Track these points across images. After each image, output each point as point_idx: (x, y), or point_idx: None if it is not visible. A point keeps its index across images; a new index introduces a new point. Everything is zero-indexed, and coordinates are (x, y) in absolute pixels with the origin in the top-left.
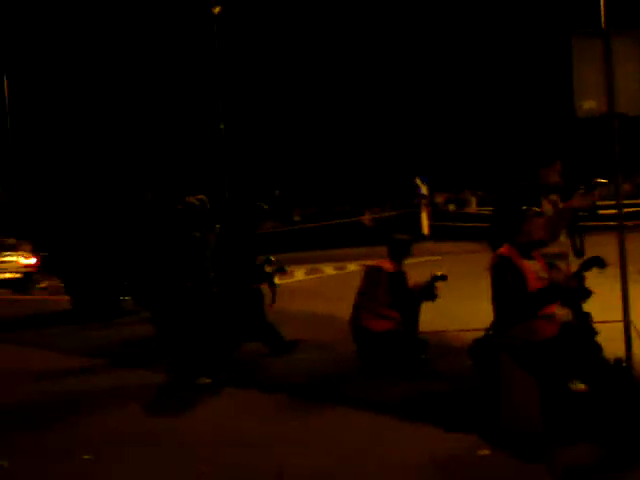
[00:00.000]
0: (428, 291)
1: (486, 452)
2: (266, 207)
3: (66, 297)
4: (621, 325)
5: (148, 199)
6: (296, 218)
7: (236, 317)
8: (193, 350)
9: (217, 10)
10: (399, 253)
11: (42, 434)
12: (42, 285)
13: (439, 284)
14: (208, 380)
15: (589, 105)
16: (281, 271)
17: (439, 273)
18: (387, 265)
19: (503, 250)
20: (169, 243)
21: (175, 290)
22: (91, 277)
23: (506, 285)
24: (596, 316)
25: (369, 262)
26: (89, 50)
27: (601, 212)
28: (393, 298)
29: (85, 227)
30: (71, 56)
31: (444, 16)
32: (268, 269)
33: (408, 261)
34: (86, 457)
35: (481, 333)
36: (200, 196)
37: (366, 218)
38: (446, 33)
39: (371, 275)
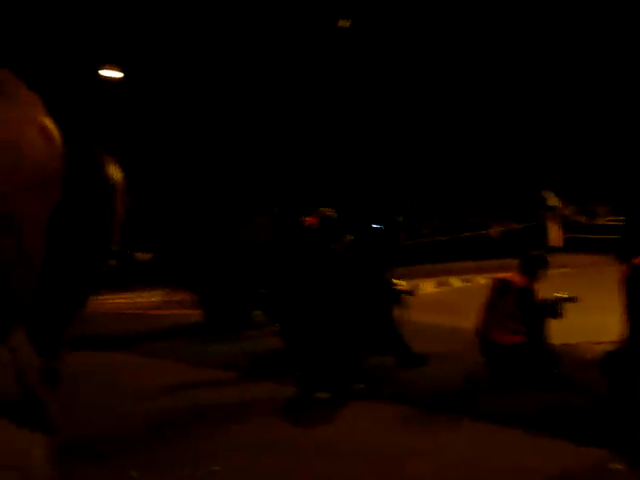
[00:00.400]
0: (552, 309)
1: (618, 467)
2: (401, 219)
3: (199, 310)
4: None
5: (276, 213)
6: (424, 231)
7: (366, 328)
8: (324, 362)
9: (345, 24)
10: (531, 268)
11: (173, 445)
12: (176, 299)
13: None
14: (327, 395)
15: None
16: (409, 294)
17: (566, 295)
18: (517, 279)
19: (638, 261)
20: (307, 256)
21: (314, 302)
22: (223, 290)
23: None
24: None
25: (499, 275)
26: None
27: None
28: (521, 312)
29: (217, 241)
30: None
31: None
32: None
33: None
34: (215, 468)
35: (612, 346)
36: (328, 209)
37: (493, 231)
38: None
39: (500, 288)
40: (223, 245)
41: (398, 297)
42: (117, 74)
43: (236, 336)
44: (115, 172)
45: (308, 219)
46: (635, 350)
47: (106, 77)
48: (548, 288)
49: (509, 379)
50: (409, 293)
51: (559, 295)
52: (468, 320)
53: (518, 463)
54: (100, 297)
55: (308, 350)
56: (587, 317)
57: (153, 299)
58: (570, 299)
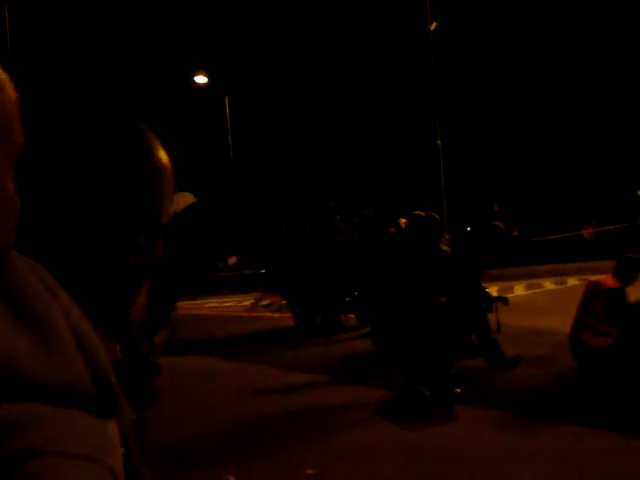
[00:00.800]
0: None
1: None
2: (503, 227)
3: (289, 314)
4: None
5: (368, 215)
6: (514, 233)
7: (461, 331)
8: (416, 364)
9: (434, 26)
10: (627, 271)
11: (266, 449)
12: (265, 302)
13: None
14: (428, 393)
15: None
16: (503, 302)
17: None
18: (609, 281)
19: None
20: (417, 258)
21: (428, 305)
22: (313, 294)
23: None
24: None
25: (593, 277)
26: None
27: None
28: (610, 314)
29: (308, 244)
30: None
31: None
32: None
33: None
34: (310, 472)
35: None
36: (422, 212)
37: (586, 232)
38: None
39: (592, 290)
40: (315, 248)
41: (491, 305)
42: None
43: (327, 339)
44: (163, 156)
45: (403, 221)
46: None
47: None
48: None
49: (602, 382)
50: (504, 301)
51: None
52: (560, 322)
53: (611, 466)
54: (190, 301)
55: (400, 352)
56: None
57: (242, 303)
58: None
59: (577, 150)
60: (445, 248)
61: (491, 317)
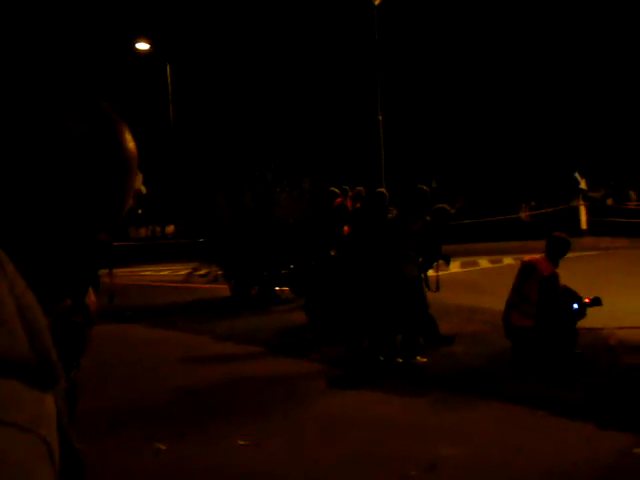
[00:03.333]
0: (581, 312)
1: None
2: (452, 211)
3: (225, 284)
4: None
5: (306, 189)
6: (452, 211)
7: (396, 307)
8: (346, 337)
9: (378, 1)
10: (557, 251)
11: (198, 418)
12: (202, 272)
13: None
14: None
15: None
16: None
17: (588, 299)
18: (542, 265)
19: None
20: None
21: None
22: (250, 266)
23: None
24: None
25: (526, 257)
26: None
27: None
28: (541, 300)
29: (245, 216)
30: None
31: None
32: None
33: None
34: (241, 442)
35: (637, 331)
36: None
37: (523, 214)
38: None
39: (525, 272)
40: (253, 220)
41: (432, 263)
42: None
43: (262, 311)
44: (130, 141)
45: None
46: None
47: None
48: (575, 271)
49: (531, 361)
50: (445, 259)
51: (586, 301)
52: (495, 301)
53: (540, 444)
54: (126, 269)
55: (331, 325)
56: (615, 301)
57: (179, 272)
58: (595, 303)
59: (516, 130)
60: (414, 226)
61: (431, 275)
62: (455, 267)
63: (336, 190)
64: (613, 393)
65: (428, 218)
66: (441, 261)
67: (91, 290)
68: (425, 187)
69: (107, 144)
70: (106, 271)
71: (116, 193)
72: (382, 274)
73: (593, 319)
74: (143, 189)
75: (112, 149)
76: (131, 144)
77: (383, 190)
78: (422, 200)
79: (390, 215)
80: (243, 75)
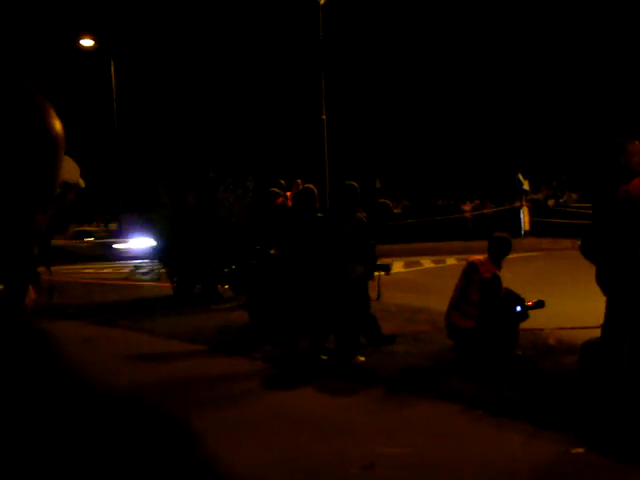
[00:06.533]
0: (523, 315)
1: (579, 450)
2: (392, 205)
3: (168, 283)
4: None
5: (249, 188)
6: (396, 211)
7: (336, 306)
8: (287, 335)
9: (323, 0)
10: (498, 252)
11: None
12: (144, 271)
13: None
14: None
15: None
16: (386, 270)
17: (531, 302)
18: (484, 267)
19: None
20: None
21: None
22: (192, 264)
23: None
24: None
25: (471, 257)
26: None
27: None
28: (482, 302)
29: (188, 214)
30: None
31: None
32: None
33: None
34: None
35: (580, 332)
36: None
37: (467, 213)
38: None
39: (468, 273)
40: (196, 219)
41: (372, 273)
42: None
43: (205, 309)
44: (57, 124)
45: (289, 194)
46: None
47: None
48: (517, 272)
49: (472, 361)
50: (385, 269)
51: (529, 303)
52: (438, 301)
53: (479, 443)
54: (68, 267)
55: (272, 324)
56: (552, 302)
57: (121, 270)
58: (539, 306)
59: (460, 132)
60: (362, 216)
61: (372, 286)
62: (398, 267)
63: (277, 190)
64: (552, 393)
65: (362, 215)
66: (382, 272)
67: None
68: (355, 183)
69: (32, 122)
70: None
71: (44, 171)
72: (323, 273)
73: (533, 320)
74: (82, 182)
75: (37, 127)
76: (56, 122)
77: (311, 186)
78: (352, 197)
79: (360, 215)
80: (187, 72)
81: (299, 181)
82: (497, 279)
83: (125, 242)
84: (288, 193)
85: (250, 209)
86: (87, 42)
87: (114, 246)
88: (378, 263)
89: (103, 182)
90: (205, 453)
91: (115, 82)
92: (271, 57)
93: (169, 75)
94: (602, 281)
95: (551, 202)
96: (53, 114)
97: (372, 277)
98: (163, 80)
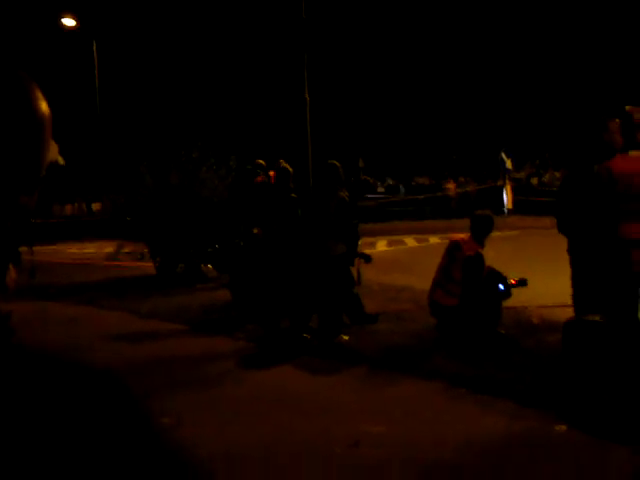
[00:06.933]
0: (505, 293)
1: (562, 428)
2: (372, 180)
3: (150, 263)
4: None
5: (232, 167)
6: (380, 190)
7: (320, 285)
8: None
9: None
10: (481, 230)
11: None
12: (127, 250)
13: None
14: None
15: None
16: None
17: (513, 281)
18: (467, 245)
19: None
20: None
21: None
22: (175, 243)
23: None
24: None
25: (453, 236)
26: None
27: None
28: (466, 280)
29: (171, 194)
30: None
31: None
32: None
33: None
34: (166, 420)
35: (562, 310)
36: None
37: (451, 192)
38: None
39: (451, 252)
40: (178, 198)
41: (353, 260)
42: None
43: (188, 289)
44: (44, 105)
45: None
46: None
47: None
48: (500, 250)
49: (455, 340)
50: (366, 258)
51: (512, 282)
52: (421, 280)
53: (462, 421)
54: (51, 247)
55: (255, 303)
56: (535, 280)
57: (104, 250)
58: (521, 284)
59: (444, 110)
60: (344, 195)
61: (352, 271)
62: (382, 246)
63: (258, 166)
64: (535, 371)
65: (344, 194)
66: (362, 259)
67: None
68: (337, 162)
69: (19, 104)
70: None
71: (31, 152)
72: (305, 252)
73: (516, 298)
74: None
75: (24, 108)
76: (43, 103)
77: (287, 166)
78: (334, 176)
79: (342, 194)
80: (170, 52)
81: (281, 161)
82: (480, 257)
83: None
84: (271, 172)
85: (230, 188)
86: (69, 22)
87: None
88: (363, 252)
89: (85, 162)
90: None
91: (97, 62)
92: (253, 36)
93: (152, 55)
94: (574, 253)
95: (534, 180)
96: (40, 96)
97: (353, 263)
98: (146, 60)
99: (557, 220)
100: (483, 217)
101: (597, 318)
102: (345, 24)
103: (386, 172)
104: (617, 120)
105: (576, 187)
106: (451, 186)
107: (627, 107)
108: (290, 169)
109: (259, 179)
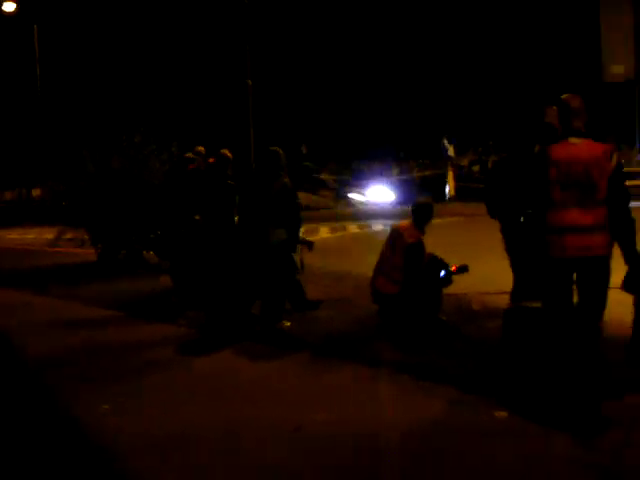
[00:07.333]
0: (446, 280)
1: (502, 414)
2: (314, 167)
3: (92, 249)
4: None
5: (174, 153)
6: (323, 176)
7: (261, 271)
8: (212, 301)
9: None
10: (421, 217)
11: (66, 384)
12: (68, 236)
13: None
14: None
15: (617, 70)
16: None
17: (455, 267)
18: (408, 232)
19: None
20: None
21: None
22: (116, 230)
23: None
24: None
25: (395, 224)
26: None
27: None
28: (407, 268)
29: (111, 181)
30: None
31: None
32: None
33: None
34: (106, 407)
35: (503, 297)
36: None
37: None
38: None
39: (393, 239)
40: (118, 184)
41: (295, 246)
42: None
43: (129, 276)
44: None
45: (211, 160)
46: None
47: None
48: (442, 237)
49: (396, 327)
50: (308, 245)
51: (453, 268)
52: (363, 266)
53: (405, 407)
54: None
55: (196, 289)
56: (476, 267)
57: (45, 236)
58: (462, 270)
59: (386, 96)
60: (286, 181)
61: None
62: (324, 232)
63: (197, 153)
64: (476, 358)
65: (286, 180)
66: (304, 246)
67: None
68: (279, 149)
69: None
70: None
71: None
72: (247, 238)
73: (458, 284)
74: None
75: None
76: None
77: (226, 152)
78: (275, 162)
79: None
80: (111, 37)
81: (225, 150)
82: (421, 244)
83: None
84: (210, 159)
85: (166, 174)
86: (9, 6)
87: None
88: (306, 239)
89: (26, 148)
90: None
91: (38, 47)
92: (195, 20)
93: (93, 40)
94: (507, 235)
95: (476, 167)
96: None
97: (295, 250)
98: (87, 45)
99: (487, 205)
100: (423, 205)
101: (535, 304)
102: (288, 9)
103: (329, 158)
104: (554, 107)
105: (510, 171)
106: (393, 173)
107: (563, 95)
108: (229, 156)
109: (192, 166)
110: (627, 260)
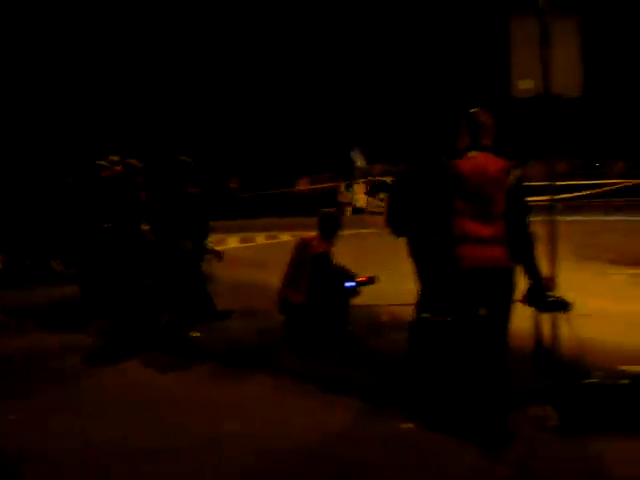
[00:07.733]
0: (354, 291)
1: (409, 426)
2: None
3: None
4: None
5: (76, 164)
6: (233, 185)
7: (170, 282)
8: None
9: None
10: (327, 229)
11: None
12: None
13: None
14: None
15: (525, 85)
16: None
17: (363, 278)
18: (315, 242)
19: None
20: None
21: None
22: (22, 238)
23: None
24: None
25: (302, 235)
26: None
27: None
28: (313, 278)
29: (16, 189)
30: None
31: None
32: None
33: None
34: (12, 417)
35: (408, 308)
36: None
37: (302, 188)
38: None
39: (300, 249)
40: (19, 192)
41: (203, 256)
42: None
43: (36, 285)
44: None
45: (118, 168)
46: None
47: None
48: (352, 248)
49: (303, 337)
50: (217, 254)
51: (361, 279)
52: (272, 277)
53: (310, 418)
54: None
55: (103, 298)
56: (385, 278)
57: None
58: (371, 282)
59: (297, 108)
60: (194, 191)
61: (205, 269)
62: (234, 243)
63: (110, 162)
64: (383, 370)
65: (194, 190)
66: (212, 256)
67: None
68: (188, 159)
69: None
70: None
71: None
72: (155, 247)
73: (366, 296)
74: None
75: None
76: None
77: (133, 161)
78: (185, 172)
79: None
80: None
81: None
82: (327, 255)
83: None
84: (117, 167)
85: (75, 183)
86: None
87: None
88: (214, 249)
89: None
90: None
91: None
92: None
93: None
94: (416, 255)
95: (388, 179)
96: None
97: (202, 260)
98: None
99: (388, 215)
100: (328, 216)
101: (440, 316)
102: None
103: (241, 169)
104: (462, 121)
105: (414, 182)
106: (303, 183)
107: (472, 110)
108: (138, 165)
109: (104, 173)
110: (527, 274)
